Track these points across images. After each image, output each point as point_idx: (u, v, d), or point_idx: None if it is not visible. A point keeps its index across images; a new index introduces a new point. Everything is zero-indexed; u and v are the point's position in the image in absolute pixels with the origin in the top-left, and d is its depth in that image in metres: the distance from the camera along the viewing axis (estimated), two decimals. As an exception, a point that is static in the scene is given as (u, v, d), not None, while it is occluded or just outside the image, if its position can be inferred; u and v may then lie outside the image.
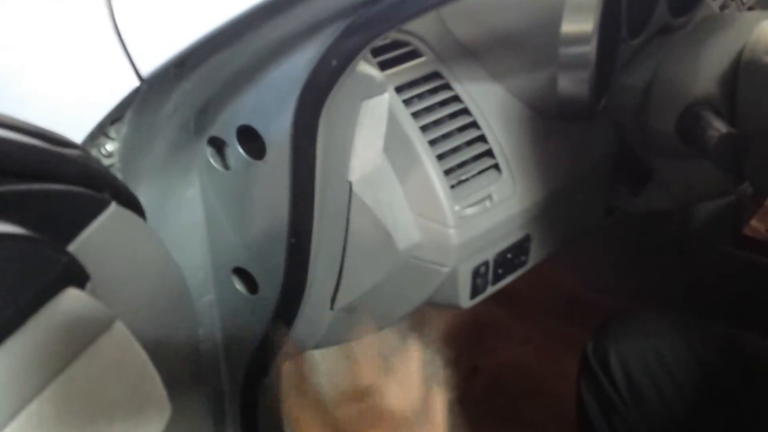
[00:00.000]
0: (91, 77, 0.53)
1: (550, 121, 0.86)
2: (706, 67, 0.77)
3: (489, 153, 0.81)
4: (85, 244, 0.45)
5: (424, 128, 0.77)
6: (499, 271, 0.86)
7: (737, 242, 1.20)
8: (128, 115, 0.54)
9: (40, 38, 0.54)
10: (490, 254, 0.84)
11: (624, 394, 0.83)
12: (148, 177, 0.60)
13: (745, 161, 0.74)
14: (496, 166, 0.81)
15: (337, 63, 0.53)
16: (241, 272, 0.69)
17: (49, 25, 0.54)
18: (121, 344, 0.42)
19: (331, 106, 0.56)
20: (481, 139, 0.81)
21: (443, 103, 0.80)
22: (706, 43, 0.79)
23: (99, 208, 0.46)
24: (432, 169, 0.75)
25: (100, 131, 0.54)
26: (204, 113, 0.60)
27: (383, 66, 0.76)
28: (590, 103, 0.82)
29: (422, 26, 0.82)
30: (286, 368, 0.66)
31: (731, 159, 0.74)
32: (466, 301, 0.85)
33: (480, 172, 0.80)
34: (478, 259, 0.82)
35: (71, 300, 0.40)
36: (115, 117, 0.54)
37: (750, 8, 1.09)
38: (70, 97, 0.54)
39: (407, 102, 0.77)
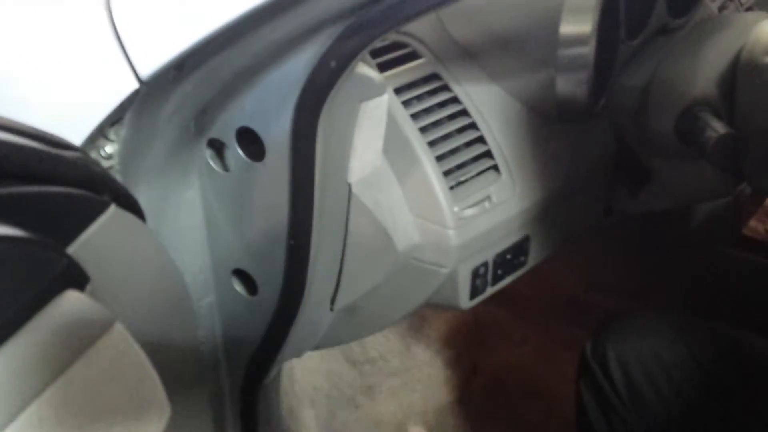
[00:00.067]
0: (91, 79, 0.53)
1: (549, 122, 0.86)
2: (705, 67, 0.77)
3: (488, 154, 0.81)
4: (84, 246, 0.45)
5: (423, 129, 0.77)
6: (499, 271, 0.86)
7: (736, 242, 1.20)
8: (128, 117, 0.54)
9: (39, 40, 0.54)
10: (489, 255, 0.84)
11: (623, 394, 0.83)
12: (148, 179, 0.60)
13: (744, 162, 0.74)
14: (495, 167, 0.81)
15: (336, 64, 0.53)
16: (240, 274, 0.69)
17: (48, 27, 0.54)
18: (121, 346, 0.42)
19: (331, 107, 0.56)
20: (480, 140, 0.81)
21: (442, 105, 0.80)
22: (705, 44, 0.79)
23: (98, 210, 0.46)
24: (431, 171, 0.75)
25: (100, 133, 0.54)
26: (203, 115, 0.60)
27: (382, 67, 0.77)
28: (589, 104, 0.82)
29: (421, 28, 0.82)
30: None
31: (730, 159, 0.74)
32: (465, 302, 0.85)
33: (479, 173, 0.80)
34: (477, 260, 0.82)
35: (71, 302, 0.40)
36: (114, 119, 0.54)
37: (748, 9, 1.09)
38: (70, 100, 0.54)
39: (406, 103, 0.77)
